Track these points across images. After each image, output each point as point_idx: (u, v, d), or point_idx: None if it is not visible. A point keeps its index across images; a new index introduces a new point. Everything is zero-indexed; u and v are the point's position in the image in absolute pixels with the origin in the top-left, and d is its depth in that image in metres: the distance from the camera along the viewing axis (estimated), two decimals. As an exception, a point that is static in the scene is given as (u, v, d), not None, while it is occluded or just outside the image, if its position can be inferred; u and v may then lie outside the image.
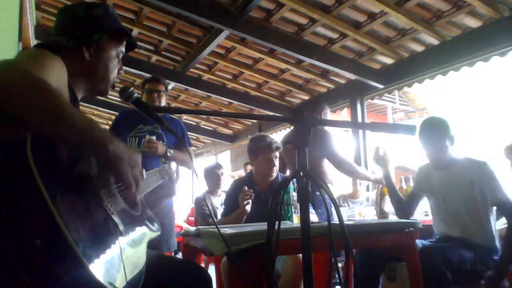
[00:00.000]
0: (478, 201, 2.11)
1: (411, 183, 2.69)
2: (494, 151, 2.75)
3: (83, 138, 0.83)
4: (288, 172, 3.31)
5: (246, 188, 2.27)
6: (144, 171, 1.20)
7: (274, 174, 2.43)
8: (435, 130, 2.21)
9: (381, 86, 4.12)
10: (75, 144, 0.83)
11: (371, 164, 4.36)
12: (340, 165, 3.15)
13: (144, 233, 1.14)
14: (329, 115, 3.43)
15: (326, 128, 3.20)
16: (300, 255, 1.02)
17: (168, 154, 2.48)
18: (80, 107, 1.22)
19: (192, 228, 1.76)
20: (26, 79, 0.81)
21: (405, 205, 2.39)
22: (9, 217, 0.70)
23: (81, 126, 0.83)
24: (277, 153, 2.44)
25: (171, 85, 5.18)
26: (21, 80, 0.80)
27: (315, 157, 3.06)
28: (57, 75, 0.99)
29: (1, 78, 0.79)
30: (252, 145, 2.49)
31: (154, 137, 2.48)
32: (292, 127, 4.33)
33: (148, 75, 4.89)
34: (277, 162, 2.44)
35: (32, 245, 0.68)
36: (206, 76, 5.05)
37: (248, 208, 2.23)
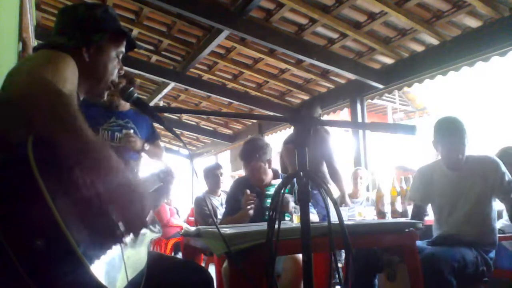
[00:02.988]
0: (488, 196, 2.13)
1: (411, 183, 2.67)
2: (494, 152, 2.74)
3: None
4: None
5: (248, 191, 2.27)
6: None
7: (267, 178, 2.44)
8: (457, 129, 2.18)
9: (381, 86, 4.12)
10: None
11: (371, 164, 4.36)
12: (335, 172, 3.20)
13: (145, 233, 1.15)
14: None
15: (328, 130, 3.24)
16: (300, 255, 1.02)
17: (145, 148, 2.46)
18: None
19: (192, 228, 1.76)
20: (52, 100, 0.81)
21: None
22: (10, 218, 0.70)
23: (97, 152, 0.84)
24: (267, 158, 2.45)
25: (171, 85, 5.19)
26: (47, 102, 0.81)
27: (316, 158, 3.08)
28: (71, 77, 0.98)
29: (30, 99, 0.80)
30: (242, 153, 2.49)
31: (131, 131, 2.45)
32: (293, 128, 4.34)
33: (148, 75, 4.93)
34: (267, 166, 2.44)
35: (33, 246, 0.69)
36: (206, 76, 5.05)
37: (251, 212, 2.24)
